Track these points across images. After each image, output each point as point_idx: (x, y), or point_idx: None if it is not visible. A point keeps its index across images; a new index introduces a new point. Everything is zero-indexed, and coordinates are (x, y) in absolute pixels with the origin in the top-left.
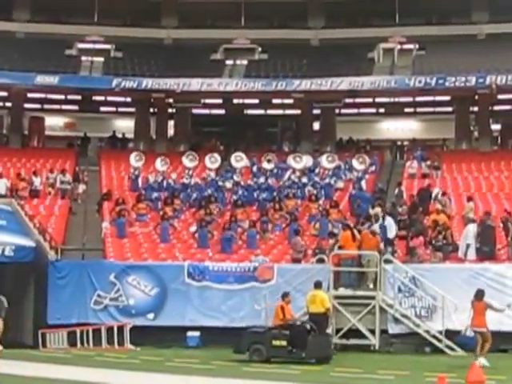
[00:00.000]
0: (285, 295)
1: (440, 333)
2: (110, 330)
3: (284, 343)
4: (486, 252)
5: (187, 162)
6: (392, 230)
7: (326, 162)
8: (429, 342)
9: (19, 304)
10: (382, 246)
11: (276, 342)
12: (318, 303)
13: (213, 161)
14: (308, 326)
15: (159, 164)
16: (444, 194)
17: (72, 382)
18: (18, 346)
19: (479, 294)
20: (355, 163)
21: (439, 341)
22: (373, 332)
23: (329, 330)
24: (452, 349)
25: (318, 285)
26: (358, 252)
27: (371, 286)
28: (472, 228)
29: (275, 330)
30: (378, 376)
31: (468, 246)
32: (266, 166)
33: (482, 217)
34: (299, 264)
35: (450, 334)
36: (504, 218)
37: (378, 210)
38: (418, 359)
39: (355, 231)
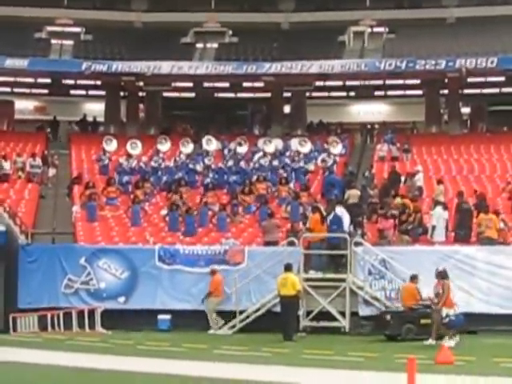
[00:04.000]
0: (415, 277)
1: None
2: (80, 313)
3: (429, 321)
4: (461, 235)
5: (158, 145)
6: (346, 222)
7: (297, 145)
8: None
9: None
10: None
11: (424, 321)
12: (288, 286)
13: (184, 144)
14: None
15: (130, 147)
16: (412, 176)
17: (43, 366)
18: None
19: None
20: (326, 146)
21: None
22: (343, 314)
23: (300, 313)
24: None
25: (288, 267)
26: (327, 234)
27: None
28: (439, 210)
29: (421, 310)
30: (348, 358)
31: (434, 227)
32: (237, 149)
33: (458, 200)
34: (269, 247)
35: None
36: (479, 198)
37: (353, 191)
38: (388, 341)
39: (324, 213)
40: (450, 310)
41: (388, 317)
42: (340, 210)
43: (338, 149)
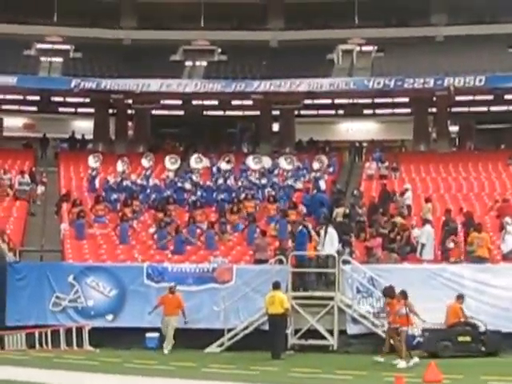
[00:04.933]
0: (460, 297)
1: None
2: (68, 331)
3: (468, 339)
4: (446, 253)
5: (145, 162)
6: (334, 243)
7: (285, 163)
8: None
9: None
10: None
11: (462, 339)
12: (276, 304)
13: (172, 162)
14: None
15: (119, 165)
16: (402, 194)
17: None
18: None
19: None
20: (314, 164)
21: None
22: (331, 332)
23: (288, 331)
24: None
25: (276, 286)
26: (315, 253)
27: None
28: (428, 228)
29: (459, 328)
30: (336, 376)
31: (423, 245)
32: (224, 166)
33: (445, 217)
34: (258, 265)
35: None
36: (466, 216)
37: (341, 210)
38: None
39: (312, 232)
40: (414, 328)
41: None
42: (330, 233)
43: (326, 167)
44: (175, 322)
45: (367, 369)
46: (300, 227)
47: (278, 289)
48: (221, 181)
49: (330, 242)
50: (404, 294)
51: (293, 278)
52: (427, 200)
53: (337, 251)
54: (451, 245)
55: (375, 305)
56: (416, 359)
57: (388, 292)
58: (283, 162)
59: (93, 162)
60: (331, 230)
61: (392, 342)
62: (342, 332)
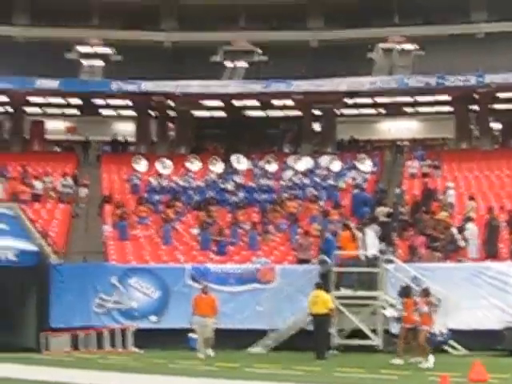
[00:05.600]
0: None
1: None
2: (112, 332)
3: None
4: (491, 251)
5: (188, 164)
6: (372, 245)
7: (327, 162)
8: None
9: (22, 308)
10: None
11: None
12: (320, 304)
13: (215, 163)
14: None
15: (160, 167)
16: (444, 192)
17: None
18: (21, 349)
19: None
20: (356, 164)
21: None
22: (375, 332)
23: (331, 331)
24: (454, 348)
25: (319, 285)
26: (358, 252)
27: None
28: (472, 226)
29: None
30: (381, 376)
31: (467, 244)
32: (267, 167)
33: (488, 216)
34: (301, 265)
35: (453, 334)
36: (510, 214)
37: (382, 208)
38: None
39: (355, 231)
40: (434, 327)
41: (505, 332)
42: (369, 235)
43: (368, 166)
44: (212, 323)
45: (411, 368)
46: (326, 235)
47: (321, 288)
48: (263, 181)
49: (371, 244)
50: (426, 292)
51: (336, 278)
52: (471, 198)
53: (380, 251)
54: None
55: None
56: (432, 358)
57: (403, 292)
58: (325, 162)
59: (135, 164)
60: (369, 232)
61: (408, 342)
62: (386, 331)
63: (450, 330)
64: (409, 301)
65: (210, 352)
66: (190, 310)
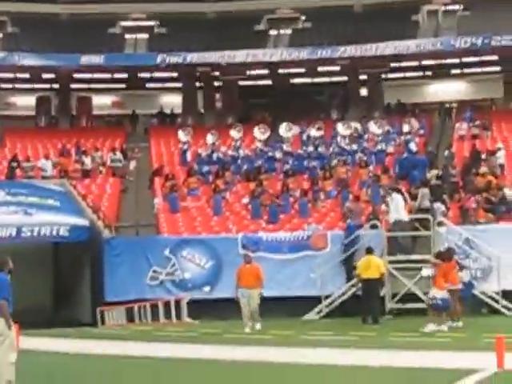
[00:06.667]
0: None
1: (497, 293)
2: (167, 304)
3: None
4: None
5: (235, 133)
6: (398, 209)
7: (375, 127)
8: (485, 302)
9: (76, 283)
10: None
11: None
12: (373, 268)
13: (262, 131)
14: None
15: (209, 138)
16: (491, 153)
17: (131, 357)
18: (77, 324)
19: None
20: (404, 127)
21: (496, 301)
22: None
23: (382, 295)
24: (509, 309)
25: (370, 250)
26: (410, 216)
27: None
28: None
29: None
30: (435, 339)
31: None
32: (315, 134)
33: None
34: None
35: (507, 295)
36: None
37: (434, 172)
38: (475, 321)
39: (406, 195)
40: (439, 292)
41: None
42: (395, 199)
43: (416, 129)
44: (257, 295)
45: (466, 330)
46: (348, 221)
47: (371, 253)
48: (311, 148)
49: (395, 209)
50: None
51: (388, 243)
52: None
53: (432, 214)
54: None
55: (472, 266)
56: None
57: (446, 254)
58: (373, 127)
59: (183, 135)
60: (396, 196)
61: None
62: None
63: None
64: (452, 263)
65: (257, 326)
66: (234, 282)
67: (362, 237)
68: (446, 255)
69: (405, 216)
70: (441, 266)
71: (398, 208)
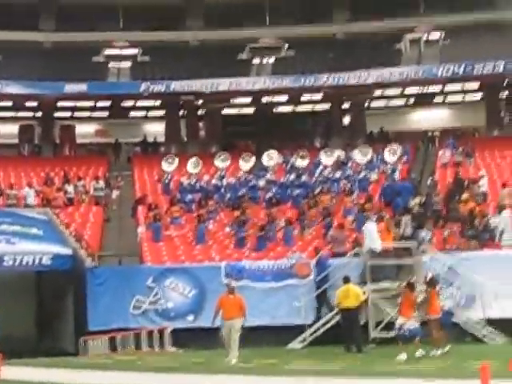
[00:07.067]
0: None
1: (480, 321)
2: (150, 333)
3: None
4: None
5: (219, 162)
6: (372, 239)
7: (359, 155)
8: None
9: (59, 312)
10: None
11: None
12: (352, 298)
13: (246, 160)
14: None
15: (191, 166)
16: (473, 181)
17: None
18: (60, 353)
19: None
20: (387, 155)
21: (479, 330)
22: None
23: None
24: (492, 337)
25: (347, 279)
26: (394, 244)
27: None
28: (506, 214)
29: None
30: (419, 366)
31: (502, 232)
32: (299, 162)
33: None
34: (336, 258)
35: (491, 323)
36: None
37: (417, 199)
38: (459, 349)
39: (390, 223)
40: (406, 321)
41: None
42: (367, 227)
43: (399, 157)
44: (239, 325)
45: (450, 358)
46: (319, 254)
47: (349, 282)
48: (293, 176)
49: (368, 239)
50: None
51: (371, 271)
52: (504, 185)
53: (418, 242)
54: None
55: (456, 294)
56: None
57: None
58: (356, 155)
59: (166, 165)
60: (368, 225)
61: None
62: (424, 323)
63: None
64: (433, 291)
65: (233, 360)
66: (214, 310)
67: (341, 266)
68: (410, 286)
69: (379, 246)
70: (407, 294)
71: (371, 237)
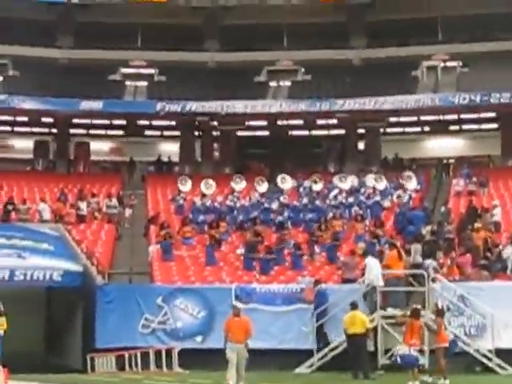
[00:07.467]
0: None
1: (490, 351)
2: (158, 353)
3: None
4: None
5: (234, 184)
6: (370, 274)
7: (372, 181)
8: (479, 360)
9: (68, 328)
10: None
11: None
12: (358, 324)
13: (260, 183)
14: None
15: (205, 187)
16: (487, 210)
17: None
18: (67, 370)
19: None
20: (401, 182)
21: (489, 360)
22: (422, 352)
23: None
24: (502, 367)
25: (354, 305)
26: (404, 271)
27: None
28: None
29: None
30: None
31: None
32: (313, 186)
33: None
34: (347, 284)
35: (501, 353)
36: None
37: (429, 227)
38: (468, 379)
39: (401, 250)
40: (402, 348)
41: None
42: (368, 261)
43: (413, 184)
44: (245, 348)
45: None
46: (318, 286)
47: (356, 309)
48: (307, 200)
49: (367, 273)
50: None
51: (381, 298)
52: None
53: (426, 269)
54: None
55: (466, 323)
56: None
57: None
58: (370, 181)
59: (180, 184)
60: (368, 261)
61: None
62: (433, 351)
63: (497, 350)
64: (441, 321)
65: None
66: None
67: (352, 292)
68: (414, 313)
69: (377, 281)
70: (411, 322)
71: (369, 273)
